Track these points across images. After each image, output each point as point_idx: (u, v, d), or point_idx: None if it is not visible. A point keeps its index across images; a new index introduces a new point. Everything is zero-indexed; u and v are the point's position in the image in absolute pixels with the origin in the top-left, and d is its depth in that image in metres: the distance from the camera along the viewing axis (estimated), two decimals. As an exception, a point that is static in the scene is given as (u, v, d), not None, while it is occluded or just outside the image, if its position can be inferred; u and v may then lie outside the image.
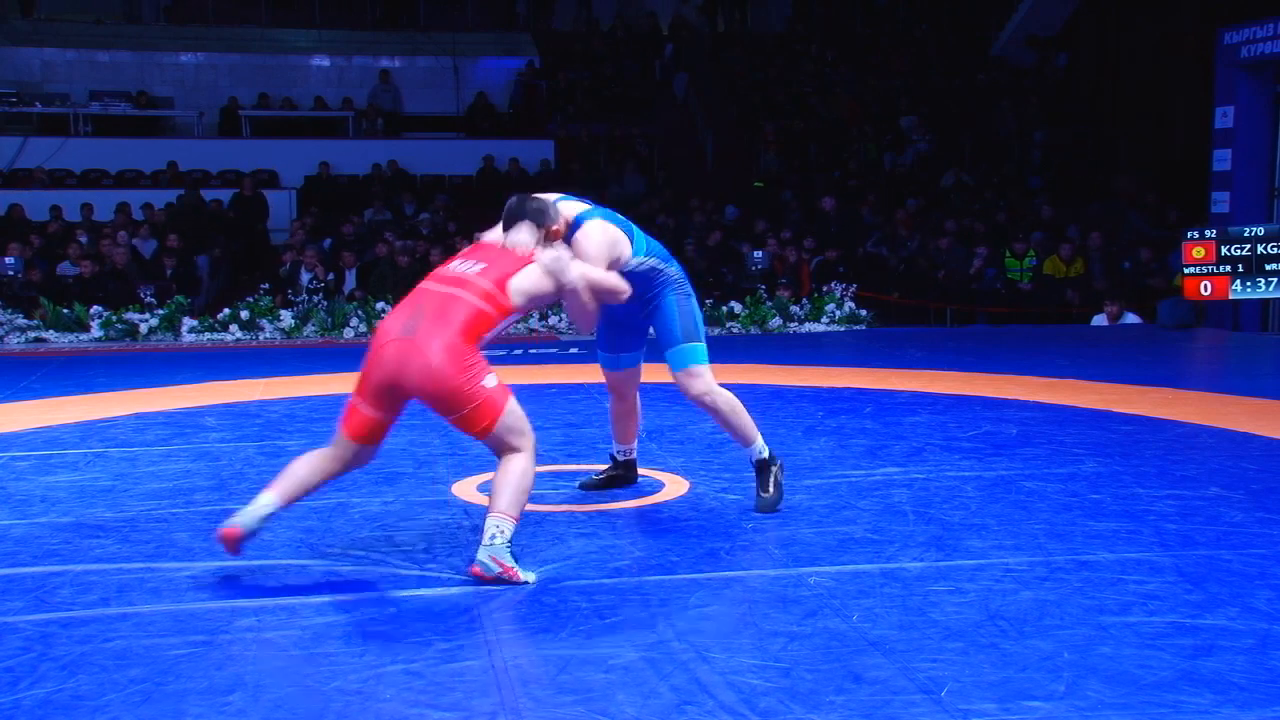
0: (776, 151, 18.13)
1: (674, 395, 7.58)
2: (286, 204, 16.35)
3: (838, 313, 12.52)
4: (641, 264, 4.44)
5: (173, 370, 9.17)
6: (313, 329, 11.79)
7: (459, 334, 3.77)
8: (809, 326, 12.34)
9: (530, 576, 3.68)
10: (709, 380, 4.53)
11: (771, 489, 4.55)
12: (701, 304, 12.51)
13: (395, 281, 12.96)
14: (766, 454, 4.59)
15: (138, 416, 6.79)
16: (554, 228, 4.21)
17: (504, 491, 3.69)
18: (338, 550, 4.09)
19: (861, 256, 14.47)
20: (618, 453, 5.03)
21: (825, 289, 12.81)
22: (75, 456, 5.73)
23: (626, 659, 3.06)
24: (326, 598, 3.57)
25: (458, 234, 14.75)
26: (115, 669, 3.02)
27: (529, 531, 4.28)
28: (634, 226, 4.58)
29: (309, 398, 7.51)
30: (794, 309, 12.51)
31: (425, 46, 20.01)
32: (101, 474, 5.30)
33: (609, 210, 4.54)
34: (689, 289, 4.63)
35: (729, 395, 4.58)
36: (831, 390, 7.77)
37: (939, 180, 17.15)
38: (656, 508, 4.67)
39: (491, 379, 3.79)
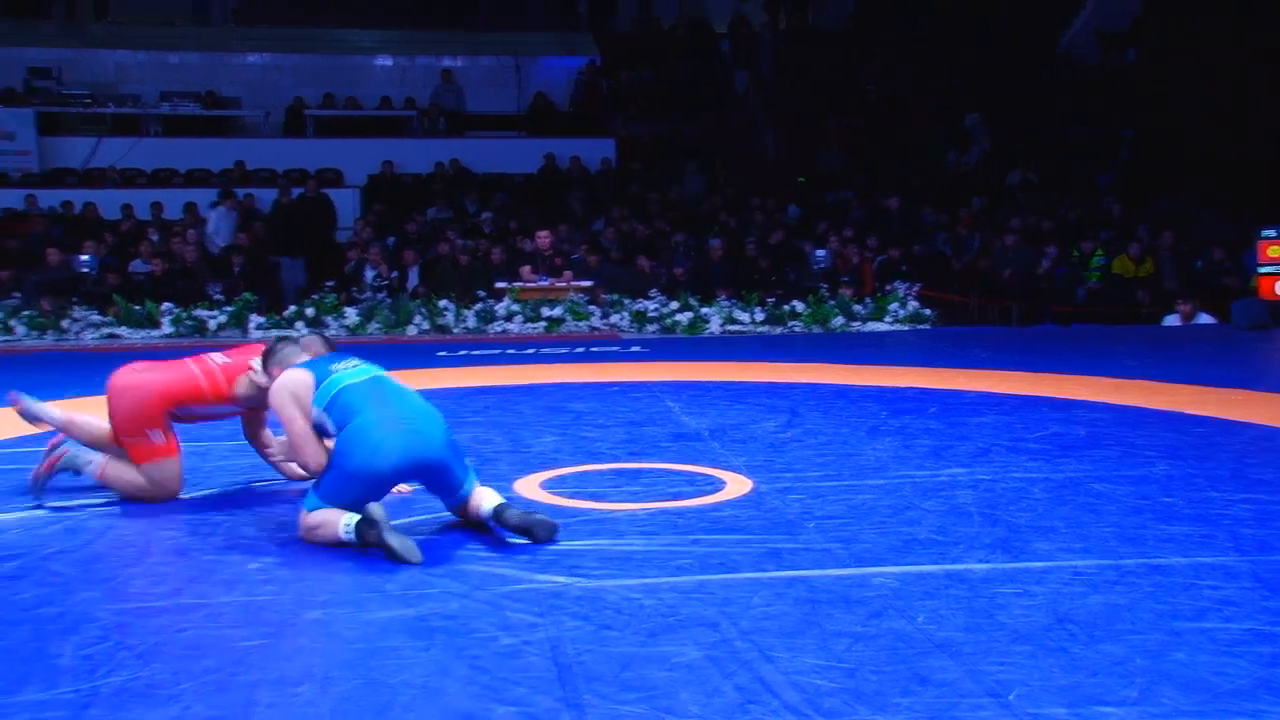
0: (838, 150, 18.03)
1: (737, 393, 7.62)
2: (351, 202, 16.54)
3: (901, 312, 12.43)
4: (320, 419, 4.26)
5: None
6: (377, 326, 11.92)
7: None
8: (872, 326, 12.26)
9: None
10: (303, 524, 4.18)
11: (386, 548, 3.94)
12: (762, 303, 12.45)
13: (457, 279, 13.07)
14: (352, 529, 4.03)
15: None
16: (271, 371, 4.52)
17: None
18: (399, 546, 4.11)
19: (924, 255, 14.35)
20: None
21: (888, 288, 12.72)
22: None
23: (690, 657, 3.06)
24: (392, 592, 3.61)
25: (519, 232, 14.85)
26: (188, 658, 3.07)
27: (590, 529, 4.30)
28: (335, 377, 4.30)
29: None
30: (856, 308, 12.43)
31: (487, 46, 20.15)
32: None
33: (319, 360, 4.47)
34: (350, 454, 4.11)
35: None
36: (895, 390, 7.72)
37: (1003, 179, 16.96)
38: (718, 506, 4.66)
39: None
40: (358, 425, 4.09)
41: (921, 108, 18.48)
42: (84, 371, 9.05)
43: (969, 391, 7.58)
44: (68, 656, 3.09)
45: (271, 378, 4.49)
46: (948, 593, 3.55)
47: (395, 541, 3.89)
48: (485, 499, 4.27)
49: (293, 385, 4.27)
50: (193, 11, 20.30)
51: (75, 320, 11.65)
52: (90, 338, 11.55)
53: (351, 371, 4.31)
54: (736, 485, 5.01)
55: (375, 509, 3.98)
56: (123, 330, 11.69)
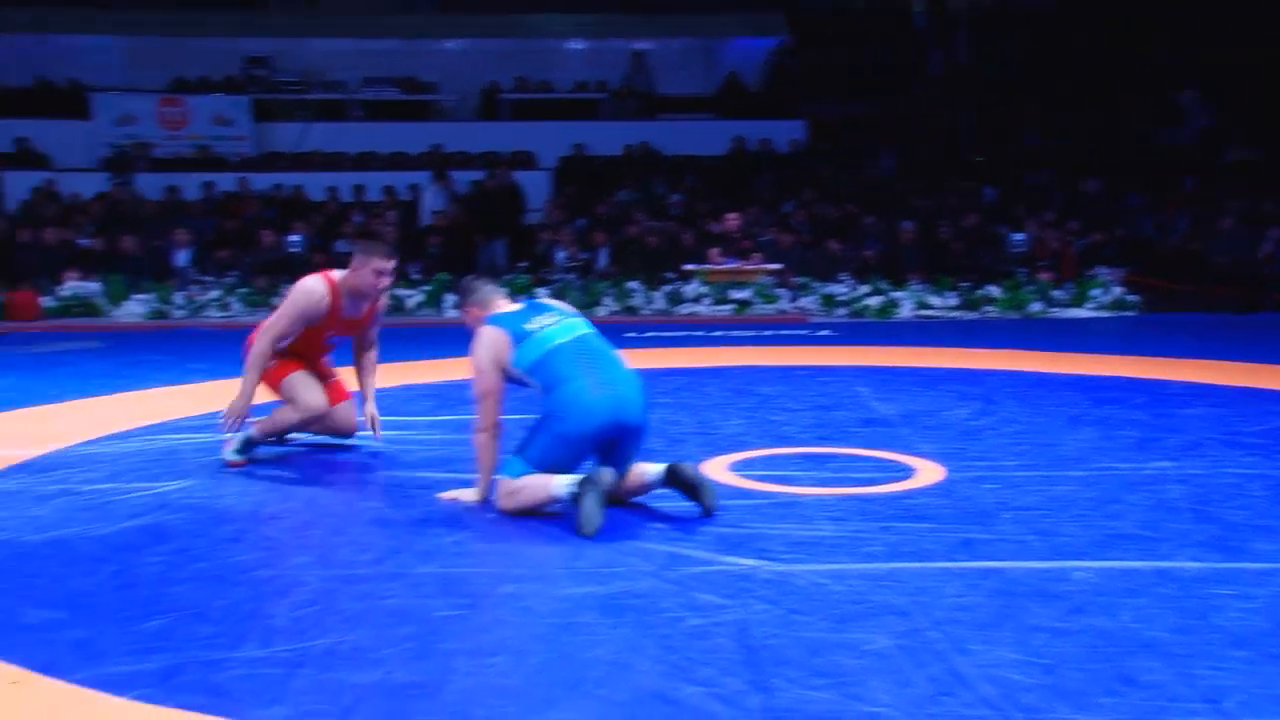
0: (1039, 130, 17.41)
1: (929, 378, 7.46)
2: (543, 184, 16.85)
3: (1104, 298, 11.95)
4: (520, 375, 4.32)
5: (435, 344, 9.61)
6: (567, 307, 12.11)
7: None
8: (1072, 312, 11.83)
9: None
10: (504, 490, 4.26)
11: (580, 515, 4.01)
12: (956, 287, 12.16)
13: (645, 261, 13.18)
14: (571, 489, 4.10)
15: (405, 388, 7.15)
16: (474, 312, 4.55)
17: None
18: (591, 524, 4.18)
19: (1131, 239, 13.75)
20: None
21: (1090, 273, 12.23)
22: (350, 424, 6.08)
23: (880, 645, 3.03)
24: (583, 569, 3.68)
25: (707, 214, 14.86)
26: (390, 625, 3.20)
27: (778, 514, 4.28)
28: (547, 335, 4.31)
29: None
30: (1056, 293, 12.01)
31: (679, 28, 20.19)
32: (373, 440, 5.62)
33: (530, 308, 4.48)
34: (562, 418, 4.20)
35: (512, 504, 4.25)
36: (1097, 378, 7.43)
37: (1221, 157, 16.07)
38: (909, 494, 4.58)
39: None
40: (572, 391, 4.19)
41: (1130, 84, 17.65)
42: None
43: (1178, 382, 7.23)
44: (281, 617, 3.26)
45: (469, 316, 4.57)
46: (1155, 591, 3.40)
47: (593, 507, 3.99)
48: (649, 467, 4.35)
49: (495, 345, 4.33)
50: (396, 0, 20.99)
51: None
52: (298, 315, 12.13)
53: (556, 330, 4.34)
54: (928, 472, 4.91)
55: (606, 473, 4.12)
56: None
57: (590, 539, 3.94)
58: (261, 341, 5.16)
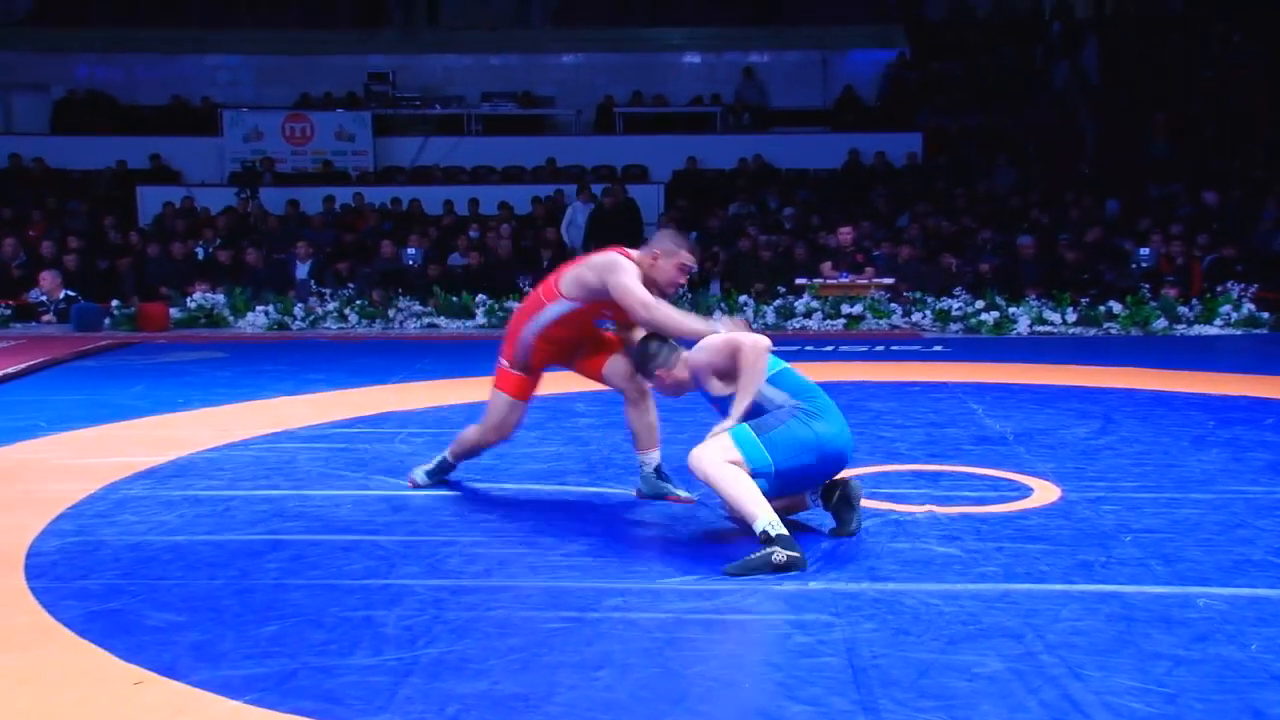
0: (1167, 141, 16.92)
1: (1045, 396, 7.29)
2: (655, 198, 16.92)
3: (1234, 315, 11.54)
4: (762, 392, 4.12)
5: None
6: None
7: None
8: (1199, 329, 11.45)
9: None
10: (718, 453, 3.95)
11: (764, 555, 3.75)
12: (1075, 303, 11.86)
13: (758, 275, 13.14)
14: (780, 529, 3.80)
15: (517, 399, 7.22)
16: (675, 372, 4.30)
17: None
18: (699, 540, 4.19)
19: (1263, 254, 13.26)
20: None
21: (1219, 289, 11.83)
22: (462, 434, 6.17)
23: (992, 668, 2.96)
24: (689, 584, 3.67)
25: (821, 228, 14.75)
26: (497, 636, 3.24)
27: (889, 531, 4.22)
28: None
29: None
30: (1182, 310, 11.64)
31: (794, 41, 20.12)
32: (484, 453, 5.68)
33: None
34: (805, 415, 4.09)
35: (728, 473, 3.92)
36: (1225, 398, 7.17)
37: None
38: (1024, 514, 4.48)
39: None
40: (827, 404, 4.12)
41: (1270, 92, 17.02)
42: (405, 357, 9.68)
43: (1312, 402, 6.95)
44: (392, 626, 3.32)
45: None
46: (1285, 621, 3.27)
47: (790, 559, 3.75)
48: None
49: (765, 344, 4.08)
50: (514, 15, 21.31)
51: (400, 310, 12.47)
52: (412, 326, 12.33)
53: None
54: (1044, 492, 4.80)
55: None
56: (441, 320, 12.41)
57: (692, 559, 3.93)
58: (652, 305, 4.37)
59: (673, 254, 4.49)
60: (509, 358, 4.83)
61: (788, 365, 4.27)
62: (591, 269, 4.55)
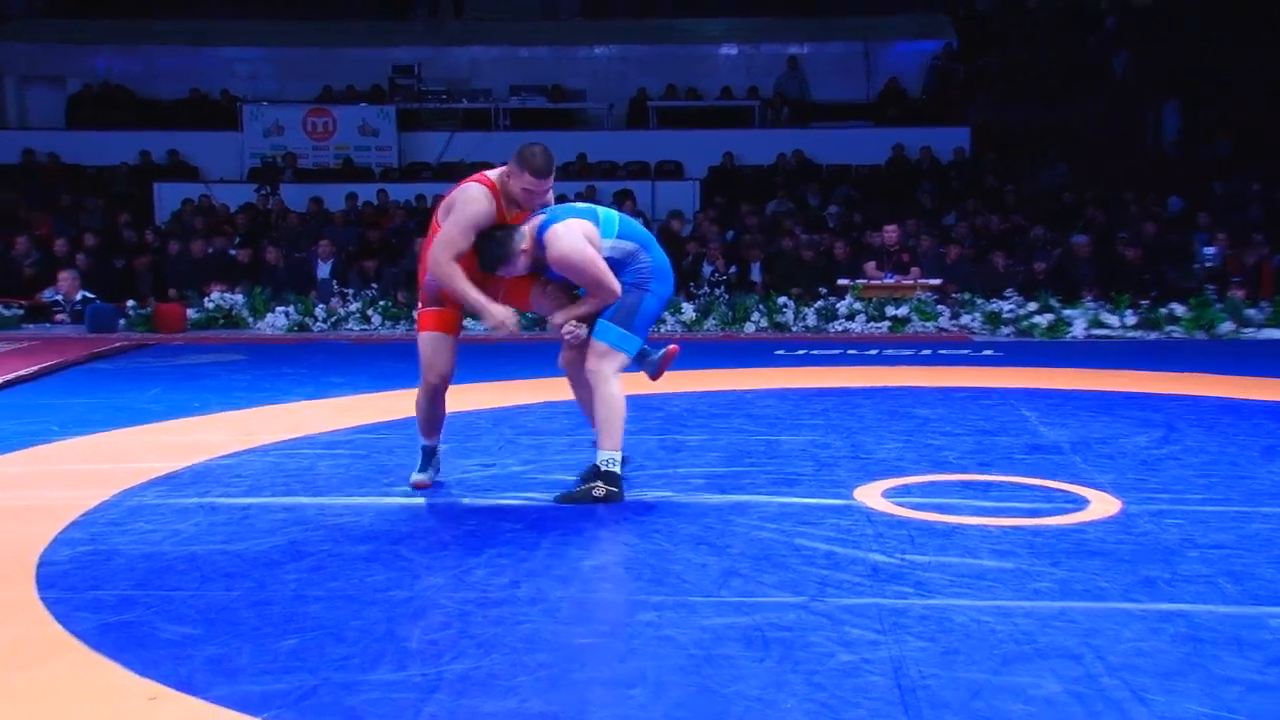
0: (1233, 135, 16.73)
1: (1102, 403, 7.21)
2: (690, 195, 16.90)
3: (1306, 318, 11.39)
4: (615, 248, 4.77)
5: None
6: (713, 323, 12.09)
7: None
8: (1268, 332, 11.30)
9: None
10: (609, 364, 4.75)
11: (586, 489, 4.77)
12: (1135, 305, 11.69)
13: (799, 275, 13.09)
14: (616, 469, 4.78)
15: (546, 405, 7.22)
16: (522, 249, 4.73)
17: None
18: (736, 550, 4.16)
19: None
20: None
21: (1289, 290, 11.68)
22: (489, 442, 6.17)
23: (1049, 690, 2.91)
24: (726, 598, 3.64)
25: (864, 225, 14.68)
26: (525, 651, 3.22)
27: (936, 544, 4.17)
28: (598, 211, 4.91)
29: (709, 393, 7.71)
30: (1250, 312, 11.49)
31: (837, 32, 20.05)
32: (512, 459, 5.69)
33: (566, 207, 4.93)
34: (652, 283, 4.82)
35: (617, 393, 4.76)
36: (1295, 406, 7.07)
37: None
38: (1081, 527, 4.42)
39: None
40: (659, 257, 4.83)
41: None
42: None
43: (1388, 411, 6.83)
44: (415, 640, 3.31)
45: (529, 256, 4.76)
46: (1366, 644, 3.20)
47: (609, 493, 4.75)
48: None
49: (585, 230, 4.70)
50: (543, 6, 21.36)
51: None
52: (439, 329, 12.37)
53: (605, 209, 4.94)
54: (1102, 504, 4.74)
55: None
56: (468, 322, 12.41)
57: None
58: (442, 262, 4.76)
59: (518, 175, 4.79)
60: (421, 300, 5.05)
61: (619, 214, 4.94)
62: (456, 197, 4.87)
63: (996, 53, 19.19)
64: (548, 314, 4.90)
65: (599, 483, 4.71)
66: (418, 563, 4.05)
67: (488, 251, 4.75)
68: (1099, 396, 7.57)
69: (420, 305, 5.07)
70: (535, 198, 4.83)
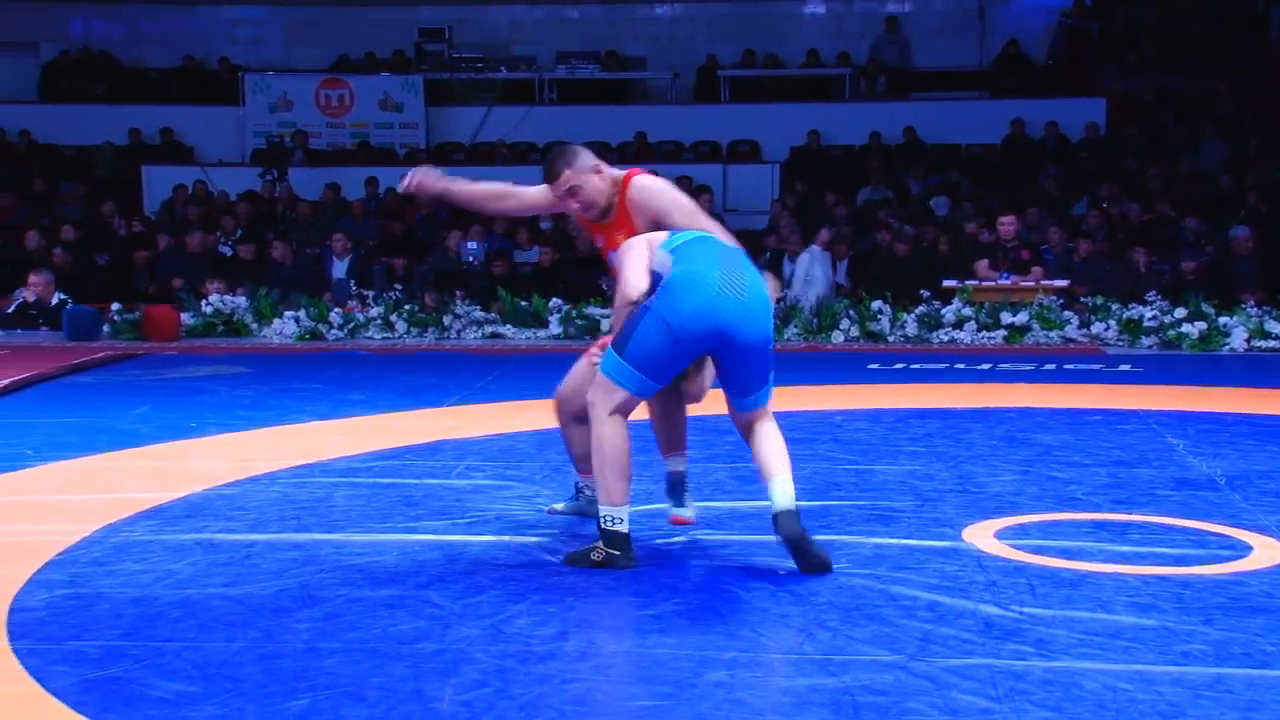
0: None
1: (1268, 430, 7.14)
2: (768, 180, 16.89)
3: None
4: (659, 261, 4.56)
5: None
6: (795, 331, 12.10)
7: None
8: None
9: None
10: (602, 400, 4.51)
11: (585, 551, 4.57)
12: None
13: (896, 275, 13.05)
14: (618, 527, 4.51)
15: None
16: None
17: None
18: (822, 599, 4.16)
19: None
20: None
21: None
22: (531, 469, 6.22)
23: (1198, 773, 2.90)
24: (810, 655, 3.65)
25: (976, 215, 14.62)
26: (575, 716, 3.24)
27: (1062, 596, 4.16)
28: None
29: (790, 413, 7.70)
30: None
31: (943, -15, 20.00)
32: (556, 490, 5.72)
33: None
34: (655, 298, 4.45)
35: (610, 435, 4.50)
36: None
37: None
38: (1241, 578, 4.38)
39: None
40: (689, 273, 4.41)
41: None
42: (464, 375, 9.77)
43: None
44: (447, 701, 3.34)
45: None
46: None
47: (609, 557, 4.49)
48: (774, 463, 4.50)
49: (650, 236, 4.64)
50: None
51: (457, 317, 12.59)
52: (472, 337, 12.45)
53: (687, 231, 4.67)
54: (1266, 551, 4.71)
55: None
56: (507, 329, 12.51)
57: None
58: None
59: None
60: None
61: (692, 236, 4.63)
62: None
63: (1137, 8, 19.04)
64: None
65: (598, 544, 4.53)
66: (449, 610, 4.09)
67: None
68: (1263, 421, 7.50)
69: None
70: (567, 200, 4.84)
